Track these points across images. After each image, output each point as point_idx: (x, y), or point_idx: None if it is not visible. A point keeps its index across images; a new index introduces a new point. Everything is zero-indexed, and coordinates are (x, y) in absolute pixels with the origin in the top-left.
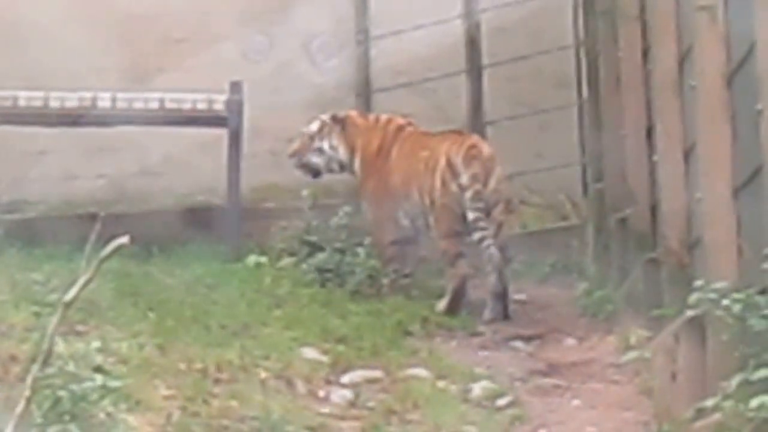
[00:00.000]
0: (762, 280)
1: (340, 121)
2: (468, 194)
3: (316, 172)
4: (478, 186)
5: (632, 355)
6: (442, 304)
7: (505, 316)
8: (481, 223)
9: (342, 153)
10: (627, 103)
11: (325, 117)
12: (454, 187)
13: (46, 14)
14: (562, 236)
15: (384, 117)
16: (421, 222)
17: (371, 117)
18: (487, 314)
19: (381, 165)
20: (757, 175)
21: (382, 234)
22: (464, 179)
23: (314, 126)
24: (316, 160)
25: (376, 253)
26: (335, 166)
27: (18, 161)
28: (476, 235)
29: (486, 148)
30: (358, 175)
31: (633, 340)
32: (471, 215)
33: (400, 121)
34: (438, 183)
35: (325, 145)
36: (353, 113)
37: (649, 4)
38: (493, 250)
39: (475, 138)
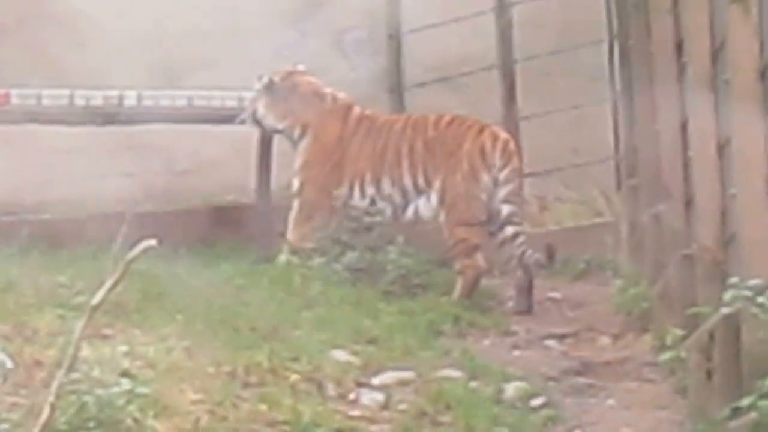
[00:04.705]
0: None
1: (269, 87)
2: (506, 189)
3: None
4: (517, 182)
5: (668, 354)
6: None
7: (530, 310)
8: (516, 219)
9: (272, 120)
10: (661, 97)
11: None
12: (485, 177)
13: (69, 10)
14: (596, 233)
15: (341, 96)
16: (391, 204)
17: (327, 95)
18: (512, 307)
19: (338, 154)
20: None
21: (309, 220)
22: (504, 174)
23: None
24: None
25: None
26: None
27: (43, 161)
28: (509, 230)
29: (512, 143)
30: (302, 153)
31: (668, 338)
32: (506, 209)
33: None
34: (465, 167)
35: (258, 111)
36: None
37: None
38: (528, 248)
39: (496, 128)
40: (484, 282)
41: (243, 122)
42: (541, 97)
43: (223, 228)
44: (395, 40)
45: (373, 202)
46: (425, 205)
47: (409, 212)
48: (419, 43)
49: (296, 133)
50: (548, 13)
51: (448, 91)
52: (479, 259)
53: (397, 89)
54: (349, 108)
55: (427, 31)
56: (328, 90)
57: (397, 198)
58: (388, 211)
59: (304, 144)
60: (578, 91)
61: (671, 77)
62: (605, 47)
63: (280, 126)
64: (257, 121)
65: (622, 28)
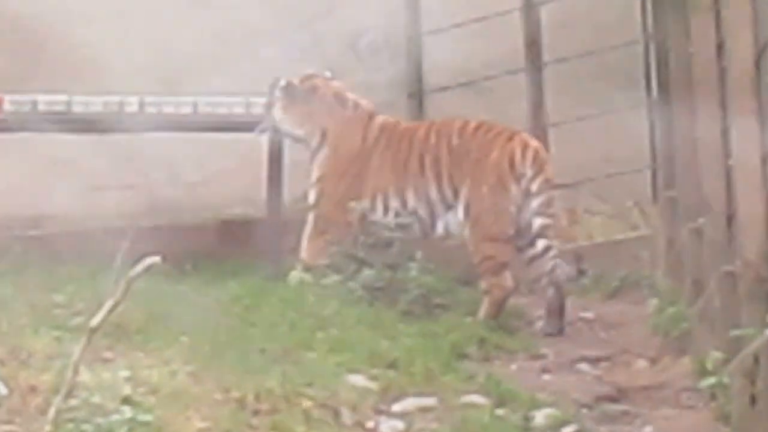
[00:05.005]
0: None
1: (287, 90)
2: (538, 200)
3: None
4: (551, 193)
5: (709, 379)
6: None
7: (561, 332)
8: (549, 232)
9: (288, 126)
10: (700, 102)
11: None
12: (514, 189)
13: (66, 10)
14: (631, 248)
15: (364, 103)
16: (417, 218)
17: (349, 100)
18: (542, 328)
19: (358, 165)
20: None
21: (323, 235)
22: (536, 184)
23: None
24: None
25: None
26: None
27: (38, 171)
28: (541, 244)
29: (544, 151)
30: (320, 163)
31: (709, 361)
32: (538, 222)
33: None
34: (493, 177)
35: (276, 116)
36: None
37: None
38: (560, 261)
39: (526, 135)
40: (512, 301)
41: (264, 131)
42: (572, 102)
43: (231, 243)
44: (414, 41)
45: (398, 216)
46: (455, 220)
47: (439, 228)
48: (440, 44)
49: (315, 140)
50: (579, 12)
51: (471, 97)
52: (507, 277)
53: (416, 94)
54: (371, 116)
55: (449, 32)
56: (350, 96)
57: (424, 212)
58: (416, 227)
59: (322, 153)
60: (611, 96)
61: (711, 80)
62: (640, 48)
63: (298, 132)
64: (278, 129)
65: (659, 28)
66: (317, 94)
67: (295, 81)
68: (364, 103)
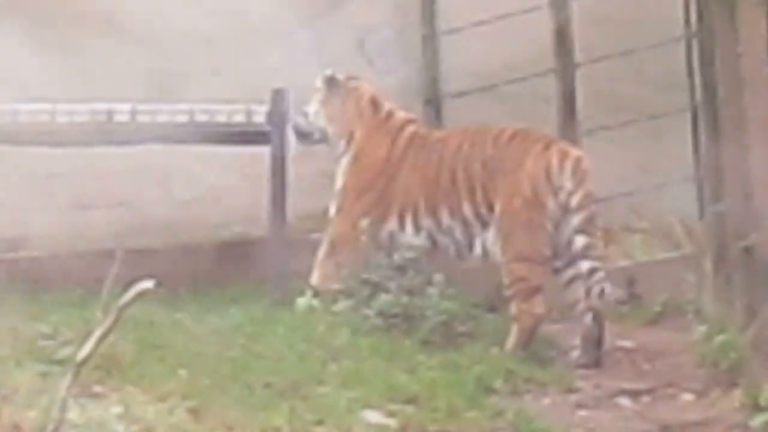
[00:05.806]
0: None
1: (329, 82)
2: (580, 216)
3: (301, 135)
4: (593, 208)
5: (763, 415)
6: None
7: (598, 363)
8: (593, 252)
9: (322, 121)
10: (751, 106)
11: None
12: (551, 203)
13: (47, 9)
14: (674, 269)
15: (401, 114)
16: (452, 239)
17: (384, 108)
18: (577, 358)
19: (384, 180)
20: None
21: (338, 256)
22: (576, 198)
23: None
24: (300, 121)
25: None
26: (316, 134)
27: (20, 188)
28: (585, 266)
29: (586, 161)
30: (343, 173)
31: (762, 395)
32: (581, 241)
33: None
34: (527, 190)
35: (311, 109)
36: (365, 87)
37: None
38: (608, 285)
39: (565, 144)
40: (543, 328)
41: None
42: (606, 107)
43: (232, 266)
44: (430, 41)
45: (431, 237)
46: (492, 239)
47: (477, 248)
48: (459, 44)
49: (341, 144)
50: (614, 8)
51: (493, 102)
52: (538, 303)
53: (433, 99)
54: (402, 126)
55: (469, 31)
56: (388, 104)
57: (459, 231)
58: (451, 249)
59: (345, 161)
60: (651, 99)
61: (762, 82)
62: (682, 47)
63: (330, 129)
64: (299, 128)
65: (703, 25)
66: (356, 93)
67: (340, 75)
68: (401, 114)
